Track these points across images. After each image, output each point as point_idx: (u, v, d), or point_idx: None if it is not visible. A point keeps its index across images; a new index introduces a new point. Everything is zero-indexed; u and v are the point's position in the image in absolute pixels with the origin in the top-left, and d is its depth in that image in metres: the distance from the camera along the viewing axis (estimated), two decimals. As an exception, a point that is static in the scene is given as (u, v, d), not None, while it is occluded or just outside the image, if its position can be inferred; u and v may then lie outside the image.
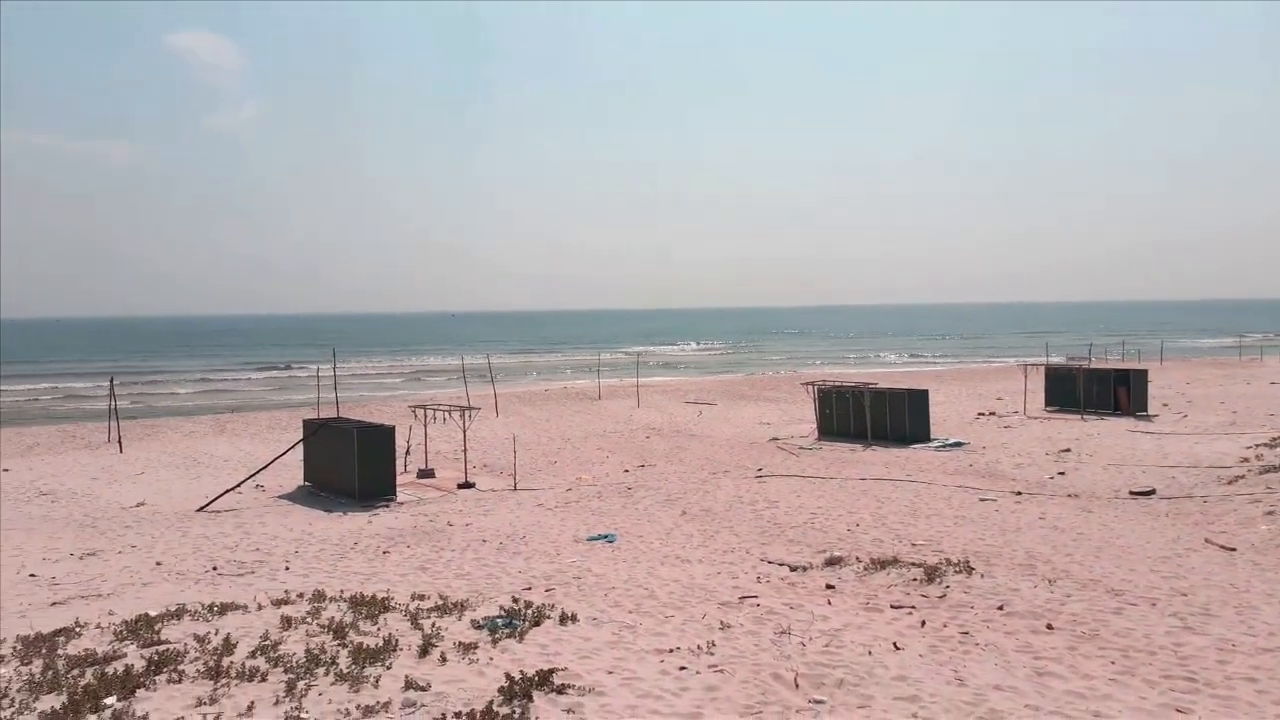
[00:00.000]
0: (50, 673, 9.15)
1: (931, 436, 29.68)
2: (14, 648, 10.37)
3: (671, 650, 9.73)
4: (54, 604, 13.34)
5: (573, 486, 23.22)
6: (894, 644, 9.98)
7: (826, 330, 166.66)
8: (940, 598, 12.00)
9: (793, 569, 13.94)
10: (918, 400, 30.09)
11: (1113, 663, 9.41)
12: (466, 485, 23.53)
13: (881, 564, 13.75)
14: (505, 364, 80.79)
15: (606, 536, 16.87)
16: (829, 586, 12.78)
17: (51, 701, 8.27)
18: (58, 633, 10.87)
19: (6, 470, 27.61)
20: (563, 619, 10.87)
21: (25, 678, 9.08)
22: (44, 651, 10.03)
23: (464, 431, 26.72)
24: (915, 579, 12.88)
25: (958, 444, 28.64)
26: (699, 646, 9.84)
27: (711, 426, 35.81)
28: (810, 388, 33.84)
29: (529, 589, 12.93)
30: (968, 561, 13.80)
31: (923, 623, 10.84)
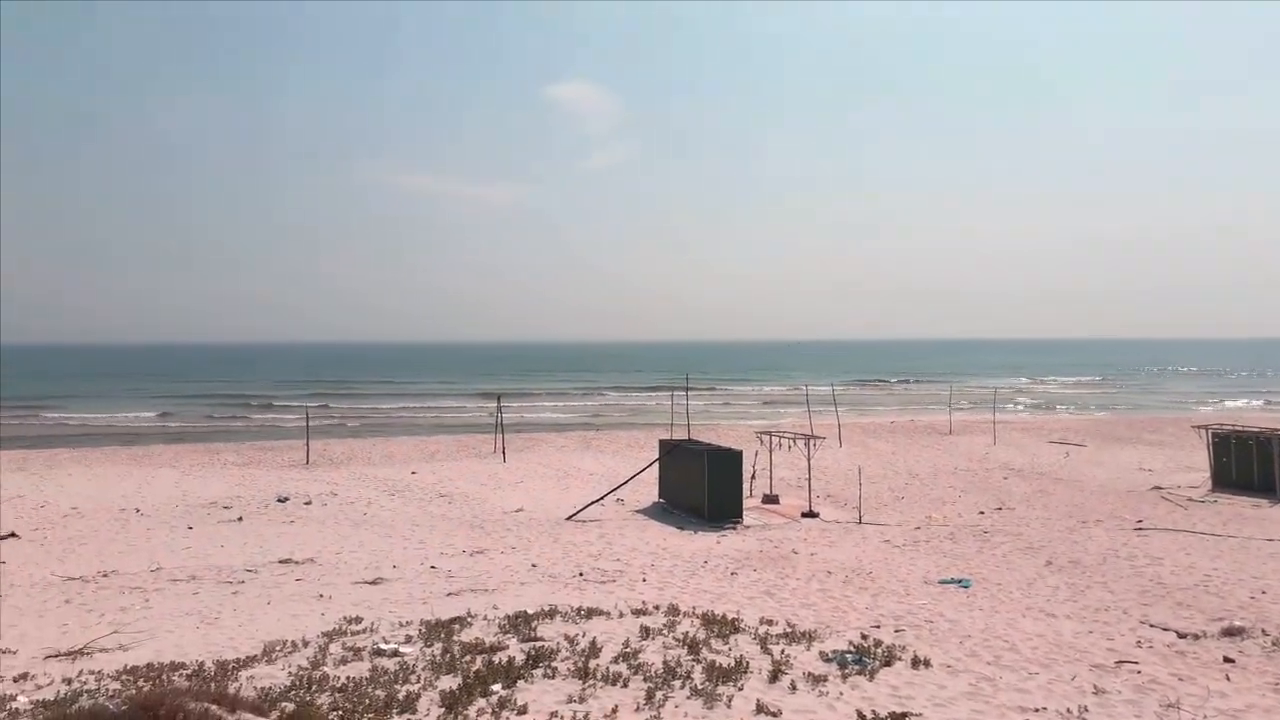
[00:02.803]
0: (448, 656, 10.42)
1: (1364, 496, 25.03)
2: (419, 630, 11.96)
3: (1037, 710, 9.02)
4: (449, 594, 15.19)
5: (922, 525, 22.38)
6: (1316, 738, 8.53)
7: (1221, 365, 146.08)
8: (1380, 690, 10.06)
9: (1181, 636, 12.40)
10: (1345, 452, 25.53)
11: None
12: (810, 514, 23.51)
13: (1297, 641, 11.80)
14: (849, 394, 79.81)
15: (960, 581, 16.06)
16: (1227, 660, 11.21)
17: (449, 682, 9.40)
18: (453, 620, 12.37)
19: (414, 473, 31.93)
20: (915, 662, 10.48)
21: (428, 658, 10.42)
22: (443, 636, 11.44)
23: (808, 460, 26.75)
24: (1344, 664, 10.92)
25: (1401, 507, 23.90)
26: (1069, 710, 9.03)
27: (1080, 470, 32.85)
28: (1203, 431, 29.93)
29: (878, 627, 12.63)
30: None
31: (1356, 718, 9.16)
